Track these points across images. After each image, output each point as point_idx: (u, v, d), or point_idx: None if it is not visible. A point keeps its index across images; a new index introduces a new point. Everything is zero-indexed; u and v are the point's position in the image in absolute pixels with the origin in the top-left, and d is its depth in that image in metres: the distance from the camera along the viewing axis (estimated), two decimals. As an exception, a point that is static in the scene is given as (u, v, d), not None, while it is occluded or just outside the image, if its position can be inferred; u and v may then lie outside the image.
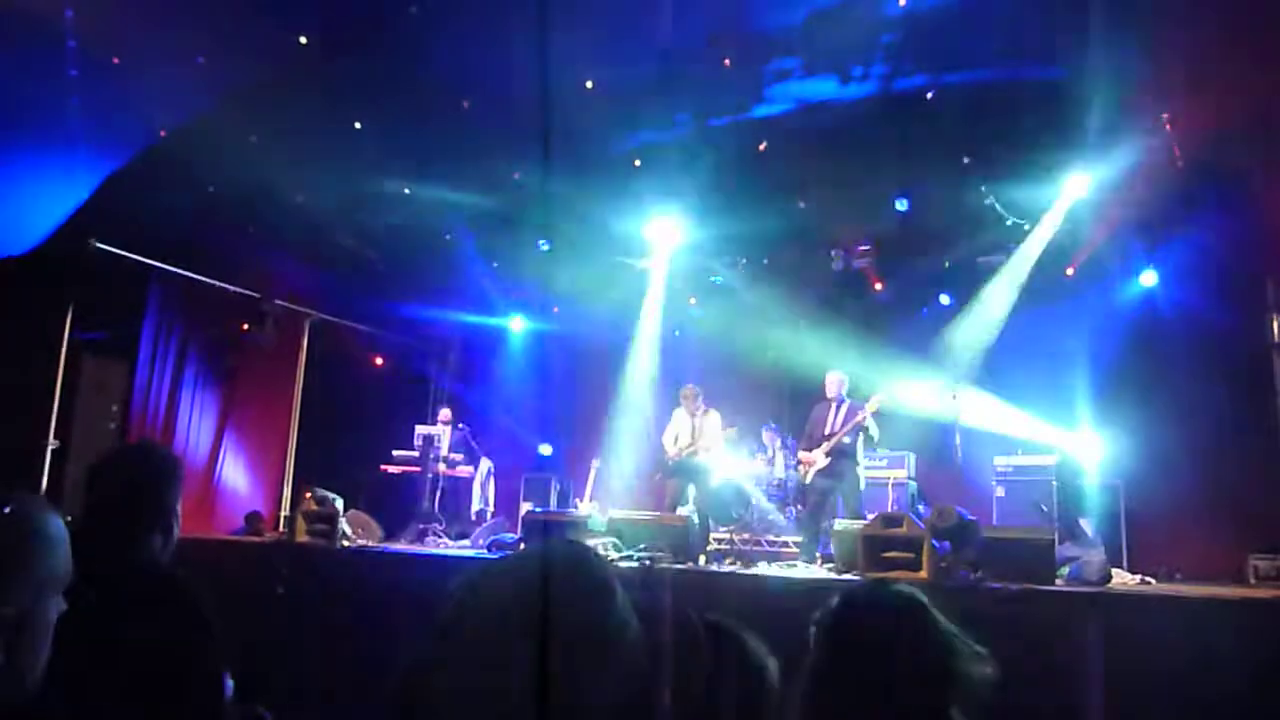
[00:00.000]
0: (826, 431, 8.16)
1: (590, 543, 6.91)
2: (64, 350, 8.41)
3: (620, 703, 1.04)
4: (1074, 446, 9.05)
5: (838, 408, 8.23)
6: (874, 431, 8.18)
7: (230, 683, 1.87)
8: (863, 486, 8.24)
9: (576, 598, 1.04)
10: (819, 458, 8.14)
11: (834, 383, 8.34)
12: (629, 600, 1.10)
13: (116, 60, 7.75)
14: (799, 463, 8.50)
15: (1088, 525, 8.29)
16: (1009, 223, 9.61)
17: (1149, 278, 9.07)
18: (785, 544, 8.94)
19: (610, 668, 1.03)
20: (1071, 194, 9.12)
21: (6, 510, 1.40)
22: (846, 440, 8.09)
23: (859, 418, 8.02)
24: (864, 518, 7.80)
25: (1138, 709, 4.41)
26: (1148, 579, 6.91)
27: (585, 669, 1.01)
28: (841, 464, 8.08)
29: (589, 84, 8.48)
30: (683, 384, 9.34)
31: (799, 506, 8.27)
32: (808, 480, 8.28)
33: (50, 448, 8.20)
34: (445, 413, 10.29)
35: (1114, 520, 8.38)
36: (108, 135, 8.03)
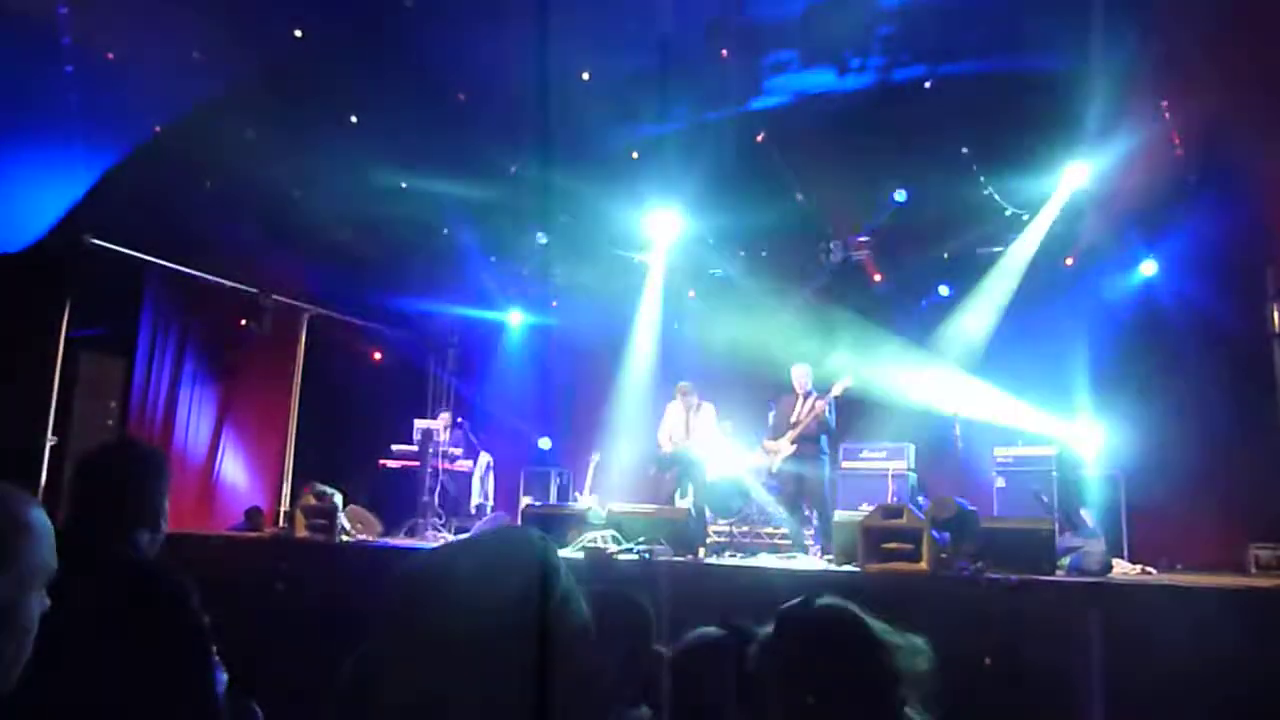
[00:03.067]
0: (792, 420, 8.27)
1: (589, 536, 6.92)
2: (61, 347, 8.39)
3: (571, 697, 1.03)
4: (1074, 437, 9.04)
5: (804, 399, 8.32)
6: (830, 419, 8.26)
7: (224, 677, 1.86)
8: (827, 474, 8.34)
9: (513, 590, 1.03)
10: (784, 445, 8.25)
11: (800, 376, 8.44)
12: (579, 594, 1.09)
13: (111, 56, 7.72)
14: (765, 451, 8.57)
15: (1088, 516, 8.27)
16: (1008, 213, 9.59)
17: (1149, 267, 9.05)
18: (784, 536, 8.93)
19: (554, 662, 1.02)
20: (1070, 184, 9.10)
21: None
22: (811, 429, 8.18)
23: (818, 409, 8.13)
24: (825, 502, 8.07)
25: (1139, 700, 4.41)
26: (1148, 569, 6.91)
27: (524, 662, 0.99)
28: (807, 452, 8.17)
29: (585, 76, 8.45)
30: (682, 377, 9.33)
31: (807, 508, 8.27)
32: (774, 469, 8.37)
33: (48, 444, 8.18)
34: (445, 416, 10.27)
35: (1114, 510, 8.36)
36: (103, 131, 8.01)
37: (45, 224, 8.36)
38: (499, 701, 0.99)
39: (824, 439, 8.29)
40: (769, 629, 1.60)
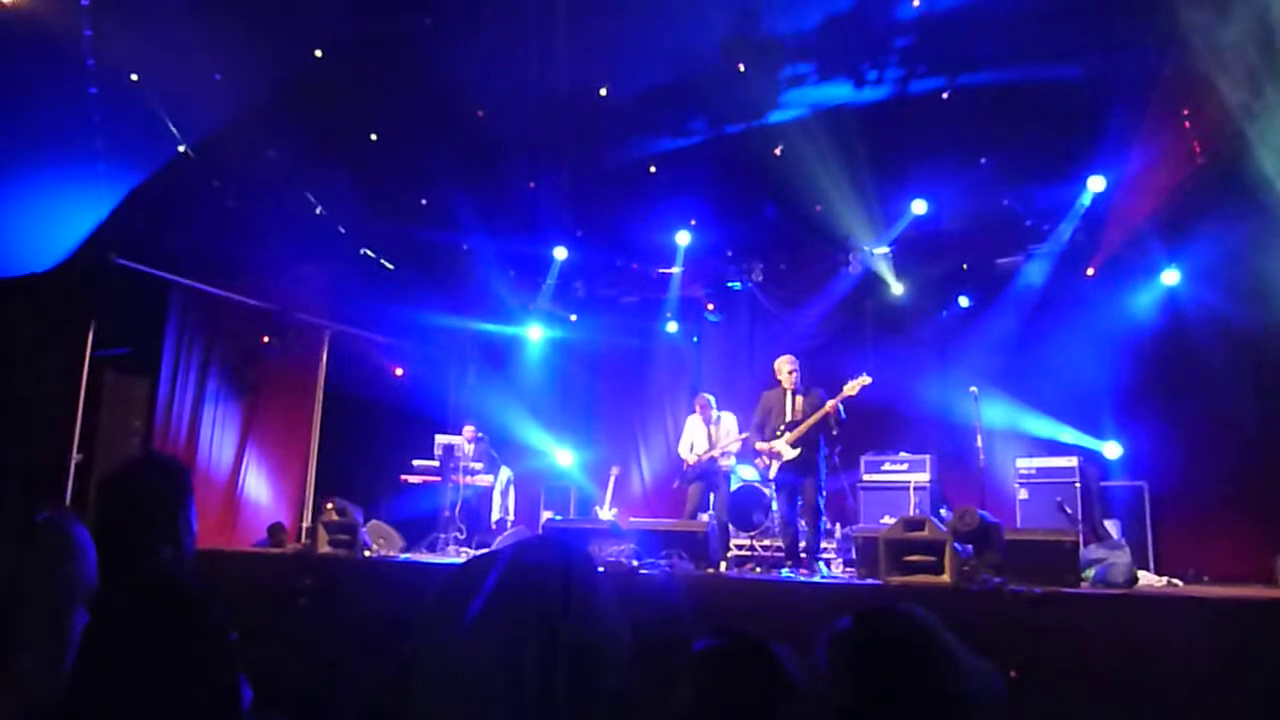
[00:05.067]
0: (789, 419, 7.67)
1: (611, 550, 6.91)
2: (86, 365, 8.49)
3: (604, 707, 1.03)
4: (1097, 447, 8.97)
5: (793, 395, 7.72)
6: (833, 422, 7.53)
7: (250, 692, 1.87)
8: (824, 480, 7.73)
9: (550, 601, 1.04)
10: (785, 449, 7.60)
11: (792, 369, 7.79)
12: (613, 604, 1.09)
13: (135, 77, 7.84)
14: (759, 455, 7.90)
15: (1113, 527, 8.20)
16: (1028, 223, 9.55)
17: (1171, 276, 8.97)
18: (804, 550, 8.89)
19: (592, 671, 1.02)
20: (1091, 193, 9.05)
21: (43, 518, 1.42)
22: (813, 431, 7.56)
23: (827, 407, 7.46)
24: (820, 513, 7.59)
25: (1164, 713, 4.35)
26: (1174, 581, 6.82)
27: (564, 673, 1.00)
28: (808, 456, 7.56)
29: (603, 91, 8.50)
30: (700, 390, 9.34)
31: (802, 515, 8.06)
32: (773, 474, 7.79)
33: (74, 462, 8.27)
34: (469, 429, 10.30)
35: (1139, 521, 8.29)
36: (127, 152, 8.12)
37: (70, 244, 8.47)
38: (526, 714, 1.00)
39: (822, 440, 7.62)
40: (842, 628, 1.58)
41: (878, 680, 1.49)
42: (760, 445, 7.84)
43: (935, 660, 1.49)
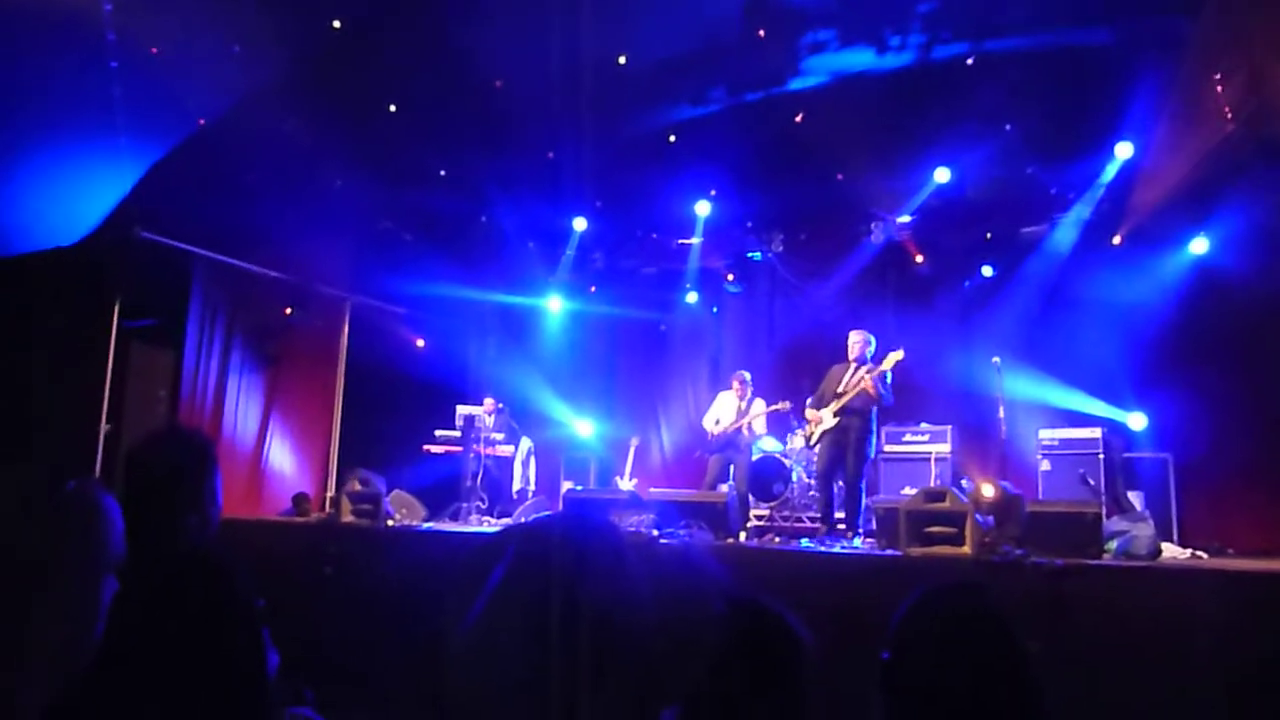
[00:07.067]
0: (839, 390, 7.78)
1: (630, 520, 6.94)
2: (113, 338, 8.59)
3: (633, 679, 1.04)
4: (1122, 419, 8.90)
5: (856, 369, 7.82)
6: (873, 393, 7.57)
7: (276, 658, 1.90)
8: (871, 453, 7.83)
9: (584, 574, 1.04)
10: (826, 418, 7.76)
11: (856, 343, 7.90)
12: (646, 576, 1.10)
13: (155, 51, 7.85)
14: (805, 422, 8.18)
15: (1136, 498, 8.15)
16: (1053, 191, 9.42)
17: (1199, 245, 8.84)
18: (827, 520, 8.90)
19: (621, 645, 1.03)
20: (1118, 160, 8.91)
21: (71, 487, 1.44)
22: (857, 402, 7.66)
23: (865, 382, 7.56)
24: (860, 487, 7.65)
25: (1189, 687, 4.34)
26: (1199, 553, 6.79)
27: (593, 645, 1.01)
28: (850, 427, 7.65)
29: (622, 60, 8.43)
30: (721, 361, 9.34)
31: (839, 483, 8.11)
32: (813, 441, 7.97)
33: (103, 432, 8.39)
34: (489, 402, 10.36)
35: (1164, 493, 8.24)
36: (149, 126, 8.15)
37: (95, 218, 8.54)
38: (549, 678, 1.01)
39: (874, 415, 7.73)
40: (912, 605, 1.59)
41: (957, 654, 1.49)
42: (809, 414, 8.06)
43: (1001, 661, 1.50)
